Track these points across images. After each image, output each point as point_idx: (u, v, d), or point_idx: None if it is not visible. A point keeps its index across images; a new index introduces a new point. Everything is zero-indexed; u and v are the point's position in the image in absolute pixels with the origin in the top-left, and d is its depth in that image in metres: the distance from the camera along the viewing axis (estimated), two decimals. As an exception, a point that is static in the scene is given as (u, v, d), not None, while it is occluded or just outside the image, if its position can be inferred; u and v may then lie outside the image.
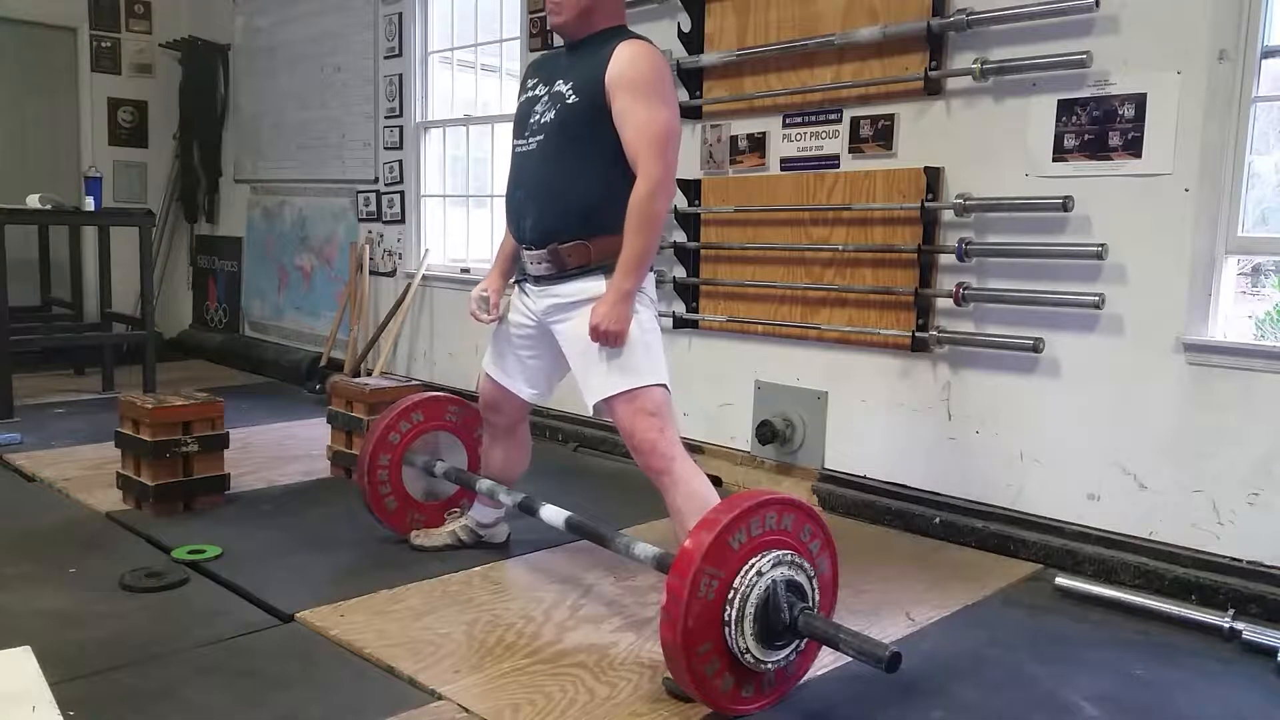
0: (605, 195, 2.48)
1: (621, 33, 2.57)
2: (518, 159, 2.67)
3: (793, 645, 2.12)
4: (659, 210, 2.44)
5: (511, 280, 2.87)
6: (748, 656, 2.05)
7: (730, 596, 2.02)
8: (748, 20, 3.89)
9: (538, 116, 2.58)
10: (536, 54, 2.66)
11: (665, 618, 1.99)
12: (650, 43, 2.54)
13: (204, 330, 7.38)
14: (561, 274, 2.57)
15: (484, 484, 2.97)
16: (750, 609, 2.03)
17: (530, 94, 2.66)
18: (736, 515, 2.04)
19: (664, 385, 2.49)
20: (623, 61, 2.44)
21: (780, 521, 2.13)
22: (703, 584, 1.99)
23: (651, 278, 2.61)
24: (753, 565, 2.04)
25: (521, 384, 2.83)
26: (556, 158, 2.54)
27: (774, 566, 2.06)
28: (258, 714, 2.09)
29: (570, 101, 2.50)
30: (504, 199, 2.78)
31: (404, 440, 3.15)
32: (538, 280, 2.65)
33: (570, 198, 2.52)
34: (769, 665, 2.09)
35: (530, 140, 2.61)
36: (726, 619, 2.02)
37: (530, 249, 2.62)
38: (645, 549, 2.40)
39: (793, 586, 2.09)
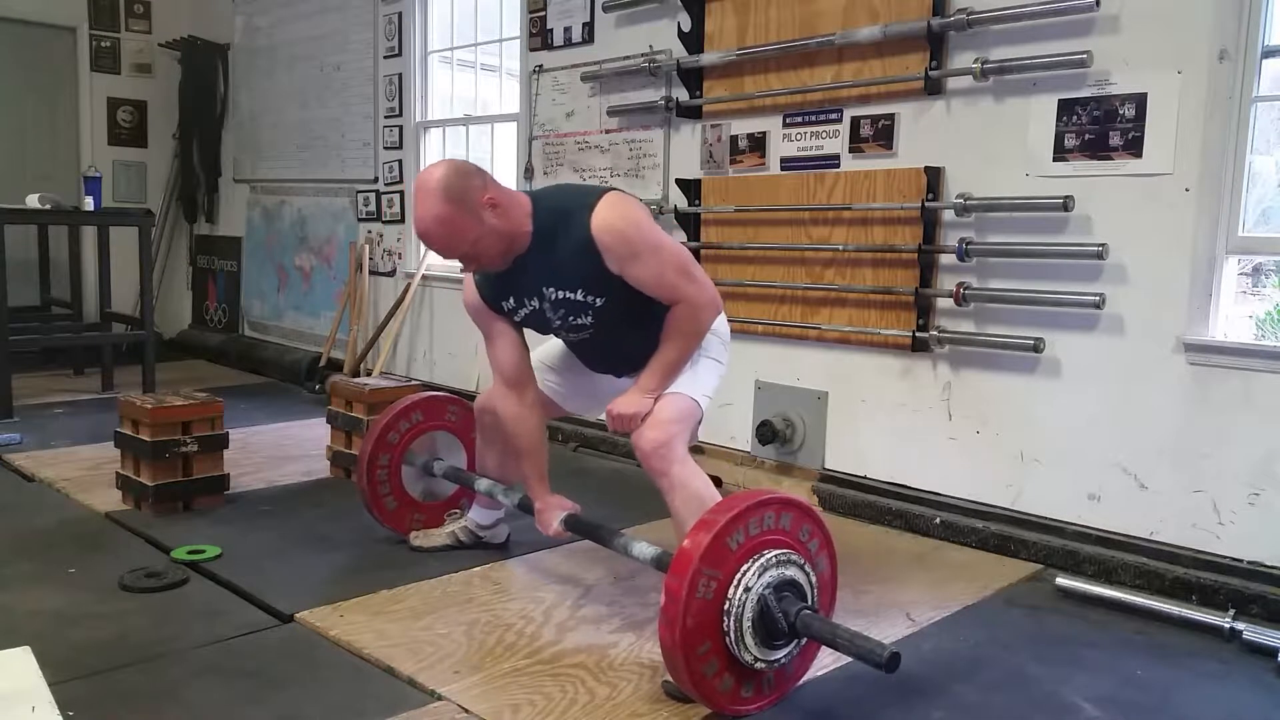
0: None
1: (560, 212, 2.41)
2: (566, 343, 2.72)
3: (792, 645, 2.12)
4: (703, 326, 2.46)
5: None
6: (747, 656, 2.05)
7: (729, 596, 2.02)
8: (748, 20, 3.88)
9: (563, 321, 2.52)
10: (478, 272, 2.57)
11: (663, 618, 1.99)
12: (600, 200, 2.37)
13: (203, 330, 7.38)
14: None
15: (483, 484, 2.97)
16: (749, 612, 2.02)
17: (526, 309, 2.54)
18: (734, 516, 2.04)
19: (696, 401, 2.51)
20: (612, 244, 2.33)
21: (778, 521, 2.13)
22: (701, 584, 1.99)
23: (723, 318, 2.68)
24: (750, 566, 2.04)
25: (585, 405, 2.90)
26: (616, 335, 2.54)
27: (772, 566, 2.06)
28: (258, 714, 2.09)
29: (598, 305, 2.44)
30: (559, 362, 2.82)
31: (403, 440, 3.15)
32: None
33: (645, 349, 2.52)
34: (768, 665, 2.09)
35: (572, 335, 2.60)
36: (725, 620, 2.02)
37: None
38: (644, 548, 2.39)
39: (791, 586, 2.09)
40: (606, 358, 2.71)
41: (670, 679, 2.17)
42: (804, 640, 2.14)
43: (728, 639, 2.03)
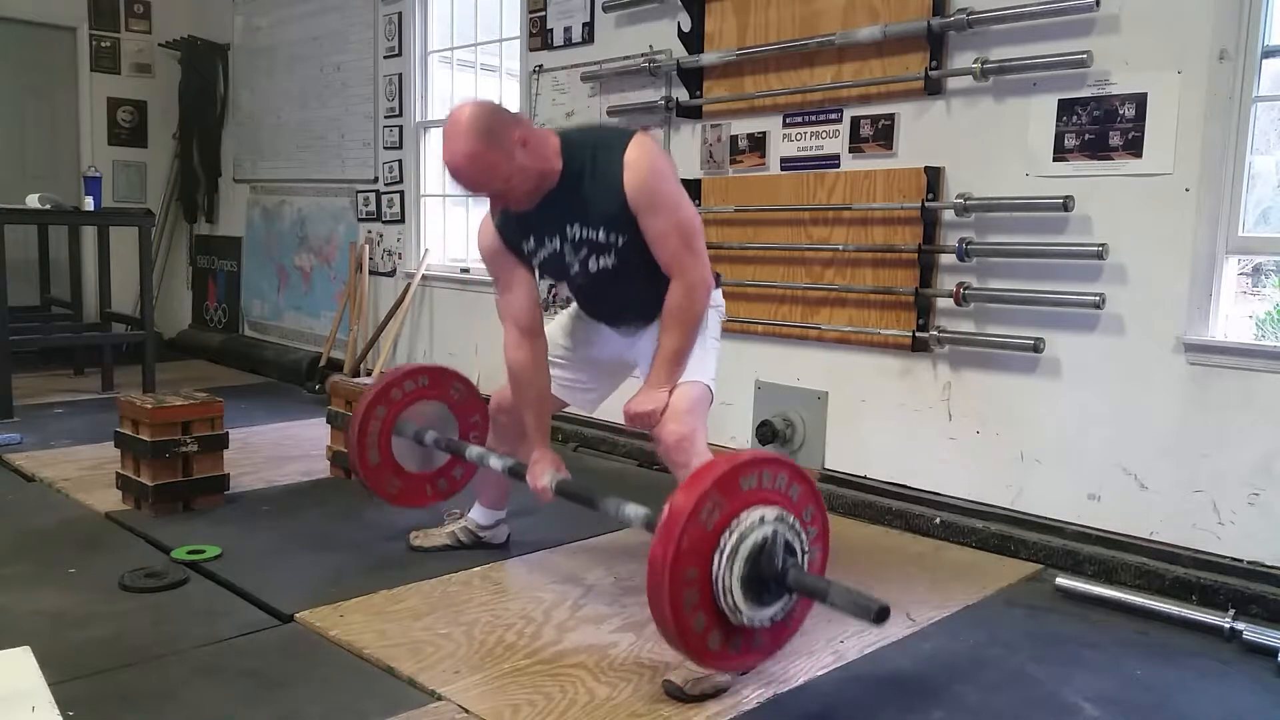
0: None
1: (590, 150, 2.41)
2: (578, 290, 2.67)
3: (774, 606, 2.06)
4: (699, 310, 2.45)
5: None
6: (728, 598, 1.99)
7: (730, 528, 1.98)
8: (748, 20, 3.88)
9: (582, 265, 2.50)
10: (499, 212, 2.55)
11: (661, 533, 1.95)
12: (631, 142, 2.38)
13: (203, 330, 7.38)
14: (651, 323, 2.62)
15: (473, 451, 2.94)
16: (745, 548, 1.99)
17: (546, 250, 2.52)
18: (755, 460, 2.04)
19: (707, 386, 2.52)
20: (639, 185, 2.34)
21: (789, 488, 2.11)
22: (706, 508, 1.96)
23: (717, 292, 2.65)
24: (757, 510, 2.01)
25: (585, 401, 2.87)
26: (631, 281, 2.51)
27: (776, 520, 2.03)
28: (258, 714, 2.09)
29: (620, 244, 2.43)
30: (569, 313, 2.79)
31: (405, 399, 3.11)
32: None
33: (656, 298, 2.50)
34: (744, 619, 2.02)
35: (588, 280, 2.56)
36: (720, 548, 1.97)
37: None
38: (635, 510, 2.37)
39: (789, 548, 2.05)
40: (616, 306, 2.67)
41: (671, 679, 2.18)
42: (786, 606, 2.08)
43: (715, 572, 1.97)
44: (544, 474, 2.63)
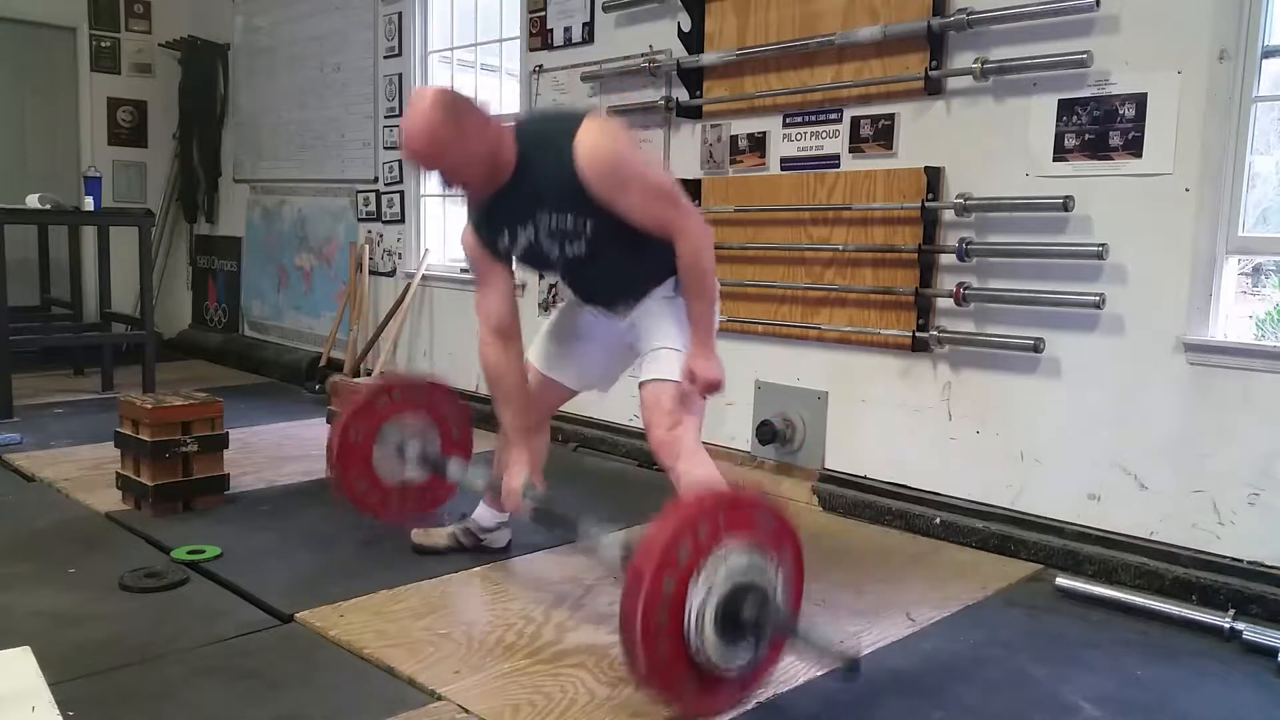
0: (665, 250, 2.45)
1: (543, 138, 2.42)
2: (565, 276, 2.64)
3: (742, 657, 2.04)
4: (708, 265, 2.44)
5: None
6: (696, 638, 1.95)
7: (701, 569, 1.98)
8: (748, 20, 3.88)
9: (560, 250, 2.49)
10: (474, 211, 2.61)
11: (675, 507, 1.99)
12: (580, 128, 2.36)
13: (203, 330, 7.38)
14: (641, 300, 2.62)
15: (455, 467, 2.96)
16: (727, 579, 1.99)
17: (522, 240, 2.52)
18: (767, 506, 2.11)
19: (678, 382, 2.51)
20: (597, 176, 2.33)
21: (779, 560, 2.11)
22: (680, 547, 1.96)
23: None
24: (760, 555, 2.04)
25: (595, 378, 2.86)
26: (609, 262, 2.51)
27: (751, 567, 2.04)
28: (258, 714, 2.09)
29: (589, 228, 2.42)
30: (560, 309, 2.80)
31: (406, 404, 3.09)
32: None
33: (640, 272, 2.53)
34: (698, 649, 1.97)
35: (569, 267, 2.55)
36: (718, 551, 1.98)
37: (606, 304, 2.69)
38: (612, 547, 2.41)
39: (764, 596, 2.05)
40: (604, 287, 2.65)
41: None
42: (753, 656, 2.06)
43: (699, 572, 1.96)
44: (519, 475, 2.62)
